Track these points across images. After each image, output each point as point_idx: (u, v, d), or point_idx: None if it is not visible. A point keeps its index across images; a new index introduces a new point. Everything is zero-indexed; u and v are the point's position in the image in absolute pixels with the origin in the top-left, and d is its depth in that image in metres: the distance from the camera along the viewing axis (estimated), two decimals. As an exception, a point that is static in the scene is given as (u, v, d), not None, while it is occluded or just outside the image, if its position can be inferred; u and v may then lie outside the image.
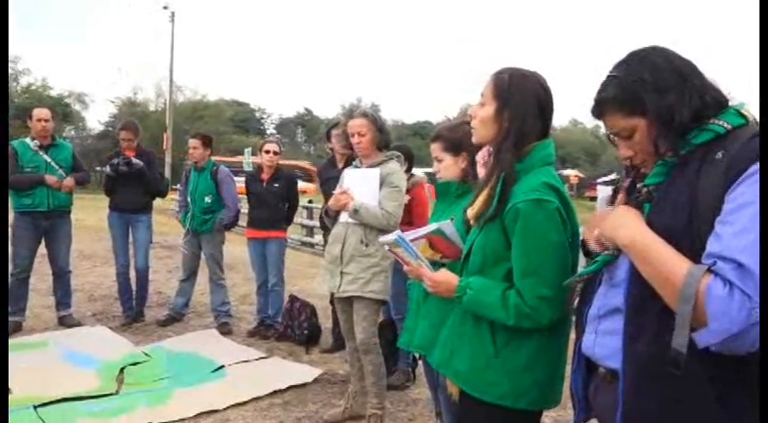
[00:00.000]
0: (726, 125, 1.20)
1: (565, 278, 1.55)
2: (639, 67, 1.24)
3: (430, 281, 1.81)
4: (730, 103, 1.24)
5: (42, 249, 5.20)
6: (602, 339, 1.30)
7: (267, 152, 5.12)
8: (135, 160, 5.20)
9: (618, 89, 1.26)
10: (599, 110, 1.31)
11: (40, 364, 4.15)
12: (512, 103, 1.67)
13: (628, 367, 1.21)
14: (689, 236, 1.14)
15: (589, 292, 1.41)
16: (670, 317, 1.10)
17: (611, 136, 1.32)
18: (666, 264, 1.12)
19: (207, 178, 5.32)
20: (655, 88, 1.22)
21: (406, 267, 1.98)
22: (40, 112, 5.08)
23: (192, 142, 5.36)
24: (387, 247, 2.02)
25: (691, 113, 1.20)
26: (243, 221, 5.59)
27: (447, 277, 1.77)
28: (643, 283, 1.18)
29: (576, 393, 1.44)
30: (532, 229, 1.59)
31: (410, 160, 4.05)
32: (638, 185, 1.31)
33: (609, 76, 1.29)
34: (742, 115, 1.22)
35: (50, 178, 4.99)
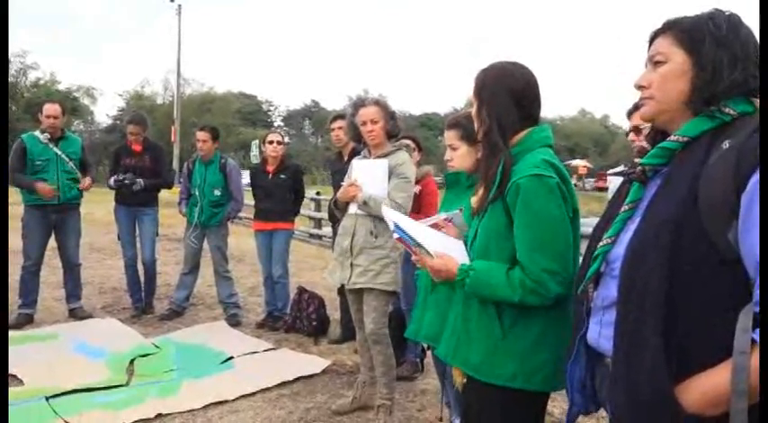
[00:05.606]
0: (732, 112, 1.18)
1: (568, 252, 1.59)
2: (721, 20, 1.23)
3: (430, 267, 1.79)
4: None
5: (52, 242, 5.25)
6: (607, 331, 1.28)
7: (271, 142, 5.11)
8: (139, 181, 5.21)
9: (692, 21, 1.25)
10: (662, 30, 1.29)
11: (52, 355, 4.20)
12: (486, 99, 1.76)
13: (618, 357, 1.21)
14: (691, 228, 1.12)
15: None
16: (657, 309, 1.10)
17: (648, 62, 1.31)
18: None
19: (215, 171, 5.32)
20: (718, 41, 1.20)
21: (414, 257, 1.98)
22: (50, 108, 5.08)
23: (201, 135, 5.31)
24: (396, 236, 2.00)
25: (728, 86, 1.18)
26: (248, 213, 5.58)
27: (447, 262, 1.76)
28: (635, 275, 1.17)
29: (571, 384, 1.41)
30: (534, 204, 1.60)
31: (420, 147, 4.04)
32: (635, 161, 1.29)
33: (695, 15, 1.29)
34: (750, 102, 1.20)
35: (43, 187, 4.92)
